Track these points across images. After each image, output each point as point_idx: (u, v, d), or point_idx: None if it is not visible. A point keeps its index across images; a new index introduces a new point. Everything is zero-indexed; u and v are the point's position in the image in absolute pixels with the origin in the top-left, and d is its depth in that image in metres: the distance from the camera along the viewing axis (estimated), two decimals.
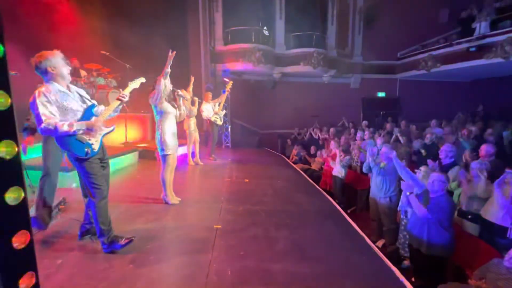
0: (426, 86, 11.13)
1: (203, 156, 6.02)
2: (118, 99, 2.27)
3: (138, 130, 7.12)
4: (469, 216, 3.23)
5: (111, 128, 2.31)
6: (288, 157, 8.02)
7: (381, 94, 11.71)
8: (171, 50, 3.05)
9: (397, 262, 3.25)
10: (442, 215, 2.70)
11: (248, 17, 9.68)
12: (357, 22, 11.03)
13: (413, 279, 2.91)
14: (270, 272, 2.06)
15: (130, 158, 5.52)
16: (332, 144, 5.62)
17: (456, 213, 3.22)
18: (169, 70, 3.13)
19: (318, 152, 7.12)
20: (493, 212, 2.89)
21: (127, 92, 2.33)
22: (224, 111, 6.57)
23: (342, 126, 9.89)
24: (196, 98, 5.63)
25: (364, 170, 4.43)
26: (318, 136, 8.51)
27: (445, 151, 3.91)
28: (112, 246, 2.23)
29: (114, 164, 4.90)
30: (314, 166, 6.89)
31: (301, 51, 9.82)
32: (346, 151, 5.50)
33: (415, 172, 3.43)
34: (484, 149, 4.01)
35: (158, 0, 8.05)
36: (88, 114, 2.15)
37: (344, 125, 9.71)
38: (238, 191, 4.13)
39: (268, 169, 5.89)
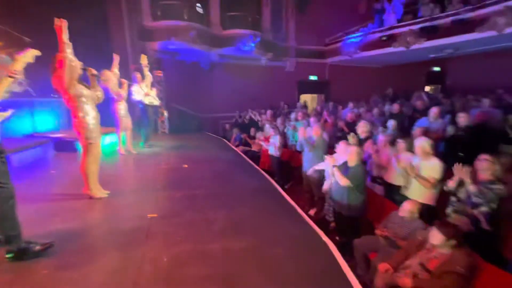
0: (350, 70, 12.42)
1: (135, 143, 5.55)
2: (10, 76, 1.87)
3: (50, 118, 6.05)
4: (378, 180, 3.88)
5: (8, 113, 1.92)
6: (229, 141, 8.05)
7: (313, 78, 12.60)
8: (56, 18, 2.54)
9: (325, 226, 3.71)
10: (359, 182, 3.18)
11: None
12: (291, 6, 11.38)
13: (337, 238, 3.38)
14: (207, 252, 2.09)
15: (41, 152, 4.70)
16: (267, 126, 5.87)
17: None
18: (68, 42, 2.63)
19: (258, 134, 7.34)
20: (391, 175, 3.55)
21: (19, 67, 1.92)
22: (154, 89, 6.10)
23: (280, 109, 10.34)
24: (124, 80, 5.04)
25: (298, 148, 4.81)
26: (258, 118, 8.74)
27: (361, 127, 4.52)
28: (22, 255, 1.90)
29: (20, 159, 4.11)
30: (255, 148, 7.10)
31: (237, 32, 9.65)
32: (282, 132, 5.82)
33: None
34: (390, 124, 4.80)
35: None
36: None
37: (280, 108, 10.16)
38: (176, 177, 3.99)
39: (208, 153, 5.83)
